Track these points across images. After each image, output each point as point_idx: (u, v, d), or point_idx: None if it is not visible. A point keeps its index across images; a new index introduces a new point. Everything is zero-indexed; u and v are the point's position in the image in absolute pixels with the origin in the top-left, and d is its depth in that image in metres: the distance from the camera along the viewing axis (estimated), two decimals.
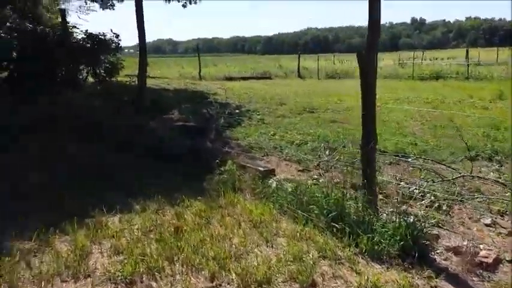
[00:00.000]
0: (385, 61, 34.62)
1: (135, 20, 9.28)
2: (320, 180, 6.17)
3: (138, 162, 6.98)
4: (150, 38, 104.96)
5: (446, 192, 5.38)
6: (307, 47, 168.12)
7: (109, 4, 15.55)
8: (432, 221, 4.39)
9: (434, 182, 5.51)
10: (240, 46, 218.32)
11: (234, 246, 3.94)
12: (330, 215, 4.17)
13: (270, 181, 5.54)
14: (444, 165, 6.36)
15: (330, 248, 3.80)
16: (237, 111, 11.46)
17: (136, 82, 9.19)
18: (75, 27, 9.45)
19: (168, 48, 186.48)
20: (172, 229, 4.23)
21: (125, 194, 5.46)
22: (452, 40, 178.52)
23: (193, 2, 14.80)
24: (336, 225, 4.08)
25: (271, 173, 5.83)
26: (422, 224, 4.00)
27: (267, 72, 27.76)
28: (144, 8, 9.39)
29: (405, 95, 14.26)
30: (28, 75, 9.18)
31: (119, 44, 9.51)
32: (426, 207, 5.12)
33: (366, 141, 4.52)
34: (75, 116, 8.38)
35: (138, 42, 9.35)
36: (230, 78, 23.81)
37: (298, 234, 4.13)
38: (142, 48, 8.81)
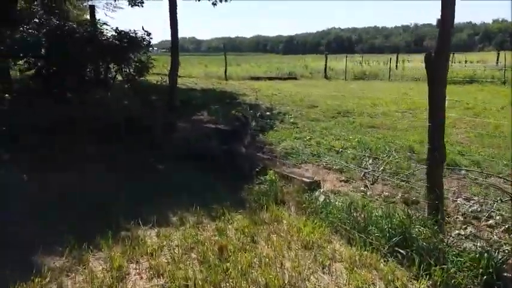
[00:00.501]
0: (414, 63, 33.76)
1: (168, 17, 8.95)
2: (368, 193, 5.70)
3: (172, 167, 6.61)
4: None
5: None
6: (330, 47, 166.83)
7: (138, 1, 15.32)
8: (508, 248, 3.87)
9: (502, 201, 4.95)
10: (261, 46, 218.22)
11: (286, 271, 3.51)
12: (393, 239, 3.69)
13: (316, 194, 5.09)
14: (504, 178, 5.82)
15: (398, 279, 3.34)
16: (268, 113, 11.04)
17: (167, 82, 8.82)
18: (106, 24, 9.15)
19: (191, 47, 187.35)
20: (216, 248, 3.82)
21: (161, 204, 5.08)
22: (478, 43, 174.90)
23: (223, 0, 14.42)
24: (401, 251, 3.60)
25: (317, 184, 5.36)
26: (502, 253, 3.50)
27: (293, 72, 27.28)
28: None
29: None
30: (56, 73, 8.91)
31: (150, 42, 9.17)
32: (491, 228, 4.61)
33: (433, 156, 4.01)
34: (105, 116, 8.08)
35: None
36: (256, 78, 23.43)
37: (357, 259, 3.67)
38: (175, 46, 8.44)
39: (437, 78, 3.98)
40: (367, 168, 6.69)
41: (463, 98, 14.28)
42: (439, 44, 3.93)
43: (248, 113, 7.89)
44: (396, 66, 29.15)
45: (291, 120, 10.26)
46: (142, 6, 15.53)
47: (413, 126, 9.83)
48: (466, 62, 39.38)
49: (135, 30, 9.11)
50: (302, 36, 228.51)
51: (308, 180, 5.27)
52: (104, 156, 7.00)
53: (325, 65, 26.45)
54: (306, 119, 10.73)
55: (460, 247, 3.68)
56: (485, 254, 3.29)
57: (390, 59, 26.62)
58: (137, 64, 9.24)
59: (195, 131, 8.83)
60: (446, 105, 4.03)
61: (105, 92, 9.04)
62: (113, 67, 9.25)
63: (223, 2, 14.59)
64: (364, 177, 6.31)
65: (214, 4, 15.06)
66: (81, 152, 7.05)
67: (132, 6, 15.67)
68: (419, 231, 3.70)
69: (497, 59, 34.97)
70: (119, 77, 9.84)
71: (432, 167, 4.00)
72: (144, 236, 4.15)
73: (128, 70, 9.42)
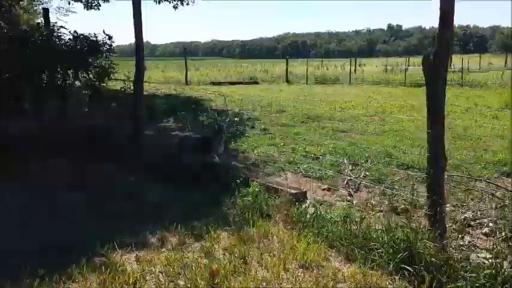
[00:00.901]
0: (369, 67, 34.40)
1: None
2: (354, 202, 5.46)
3: (142, 181, 6.12)
4: (126, 41, 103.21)
5: (505, 218, 4.72)
6: (286, 52, 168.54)
7: (94, 4, 14.62)
8: None
9: (496, 208, 4.82)
10: (217, 50, 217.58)
11: None
12: (398, 256, 3.43)
13: (304, 205, 4.78)
14: (490, 182, 5.73)
15: None
16: (236, 119, 10.66)
17: (132, 88, 8.28)
18: (63, 27, 8.49)
19: (146, 52, 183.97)
20: (207, 274, 3.42)
21: (134, 222, 4.62)
22: (428, 46, 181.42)
23: (185, 3, 13.97)
24: (408, 269, 3.34)
25: (303, 195, 5.05)
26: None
27: (254, 77, 27.07)
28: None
29: (406, 103, 13.69)
30: (8, 82, 8.20)
31: (111, 46, 8.58)
32: (487, 236, 4.46)
33: (434, 164, 3.78)
34: (64, 126, 7.47)
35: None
36: (218, 83, 23.03)
37: (361, 279, 3.38)
38: (139, 49, 7.93)
39: (437, 82, 3.74)
40: (348, 176, 6.46)
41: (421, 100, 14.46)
42: (438, 44, 3.71)
43: (221, 120, 7.48)
44: (355, 70, 29.51)
45: (262, 126, 9.96)
46: (98, 9, 14.86)
47: (383, 130, 9.76)
48: (420, 65, 40.44)
49: (95, 34, 8.52)
50: (258, 41, 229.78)
51: (295, 192, 4.96)
52: (65, 172, 6.41)
53: (286, 69, 26.40)
54: (276, 124, 10.47)
55: (466, 260, 3.45)
56: (502, 270, 3.07)
57: (350, 63, 26.88)
58: (98, 70, 8.64)
59: (164, 140, 8.37)
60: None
61: (63, 101, 8.39)
62: (72, 73, 8.61)
63: (185, 5, 14.13)
64: (347, 185, 6.07)
65: (175, 7, 14.60)
66: (40, 168, 6.43)
67: (87, 9, 14.95)
68: (424, 245, 3.44)
69: (450, 62, 36.15)
70: (78, 83, 9.20)
71: (434, 175, 3.76)
72: (123, 262, 3.69)
73: (87, 76, 8.80)
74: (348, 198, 5.71)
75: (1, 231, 4.33)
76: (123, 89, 8.69)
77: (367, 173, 6.58)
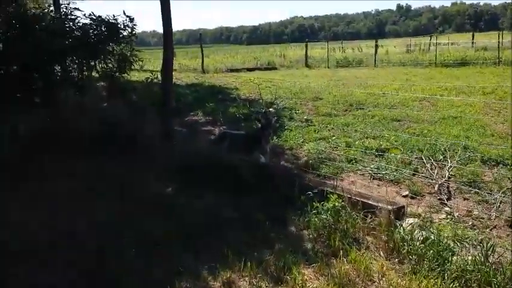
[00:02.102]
0: (388, 47, 32.81)
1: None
2: (456, 214, 4.31)
3: (182, 190, 5.01)
4: (145, 27, 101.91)
5: None
6: (294, 36, 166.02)
7: None
8: None
9: None
10: (225, 37, 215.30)
11: None
12: None
13: (407, 226, 3.64)
14: None
15: None
16: (271, 109, 9.49)
17: (158, 78, 7.15)
18: (77, 9, 7.35)
19: (153, 41, 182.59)
20: None
21: (182, 251, 3.53)
22: (438, 26, 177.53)
23: None
24: None
25: (401, 211, 3.90)
26: None
27: (271, 62, 25.75)
28: None
29: (452, 85, 12.40)
30: (17, 73, 7.13)
31: (133, 30, 7.44)
32: None
33: None
34: (83, 123, 6.39)
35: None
36: (236, 70, 21.78)
37: None
38: (168, 35, 6.77)
39: None
40: (430, 177, 5.31)
41: (471, 81, 13.16)
42: None
43: (268, 112, 6.35)
44: (375, 51, 28.06)
45: (304, 117, 8.77)
46: None
47: (441, 117, 8.52)
48: (439, 44, 38.72)
49: (114, 16, 7.38)
50: (265, 26, 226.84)
51: (391, 207, 3.80)
52: (89, 177, 5.34)
53: (306, 53, 25.05)
54: (317, 114, 9.27)
55: None
56: None
57: (375, 44, 25.39)
58: (118, 58, 7.53)
59: (198, 137, 7.25)
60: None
61: (80, 94, 7.31)
62: (89, 62, 7.51)
63: None
64: (439, 191, 4.90)
65: None
66: (60, 171, 5.38)
67: None
68: None
69: (473, 40, 34.52)
70: (95, 74, 8.09)
71: None
72: None
73: (106, 66, 7.69)
74: (441, 207, 4.56)
75: None
76: (149, 80, 7.56)
77: (452, 173, 5.41)
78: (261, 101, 10.43)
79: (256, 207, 4.30)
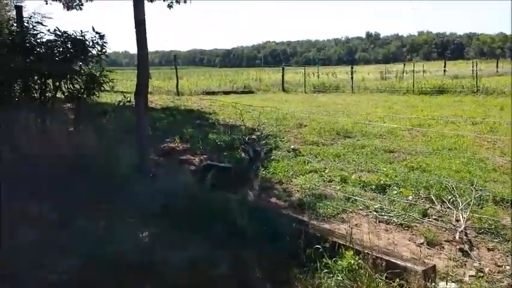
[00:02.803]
0: (361, 74, 32.91)
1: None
2: (485, 270, 3.67)
3: (167, 239, 4.20)
4: (117, 48, 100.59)
5: None
6: (267, 60, 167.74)
7: (75, 4, 12.64)
8: None
9: None
10: (198, 59, 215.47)
11: None
12: None
13: None
14: None
15: None
16: (253, 137, 8.80)
17: (132, 102, 6.36)
18: (40, 23, 6.52)
19: (125, 62, 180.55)
20: None
21: None
22: (406, 54, 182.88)
23: (182, 1, 12.11)
24: None
25: (432, 272, 3.20)
26: None
27: (248, 85, 25.28)
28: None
29: (437, 114, 12.06)
30: None
31: (103, 48, 6.66)
32: None
33: None
34: (44, 159, 5.51)
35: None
36: (212, 93, 21.18)
37: None
38: (143, 53, 6.03)
39: None
40: (445, 221, 4.68)
41: (456, 111, 12.87)
42: None
43: (255, 142, 5.66)
44: (351, 78, 28.00)
45: (291, 146, 8.10)
46: (81, 9, 12.89)
47: (434, 148, 8.02)
48: (412, 71, 39.24)
49: (82, 32, 6.59)
50: (238, 49, 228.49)
51: (422, 269, 3.10)
52: (51, 228, 4.47)
53: (282, 77, 24.69)
54: (304, 142, 8.64)
55: None
56: None
57: (352, 70, 25.24)
58: (86, 78, 6.73)
59: (176, 169, 6.47)
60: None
61: (41, 119, 6.45)
62: (53, 83, 6.68)
63: (182, 4, 12.27)
64: (460, 239, 4.26)
65: (170, 6, 12.74)
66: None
67: (68, 9, 12.96)
68: None
69: (444, 68, 35.12)
70: (61, 95, 7.24)
71: None
72: None
73: (72, 87, 6.87)
74: (465, 259, 3.92)
75: None
76: (121, 103, 6.77)
77: (465, 215, 4.80)
78: (243, 127, 9.76)
79: (253, 263, 3.54)
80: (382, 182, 5.96)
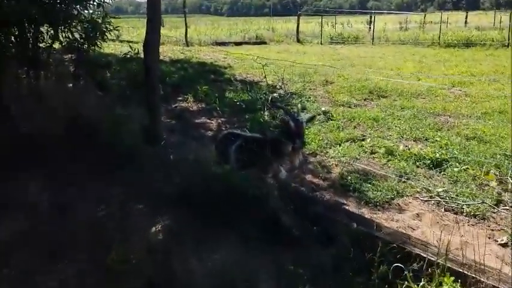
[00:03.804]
0: (378, 24, 31.12)
1: None
2: None
3: (193, 243, 3.32)
4: None
5: None
6: (276, 10, 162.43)
7: None
8: None
9: None
10: (205, 7, 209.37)
11: None
12: None
13: None
14: None
15: None
16: (275, 95, 7.82)
17: (142, 55, 5.35)
18: None
19: (130, 9, 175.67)
20: None
21: None
22: (420, 3, 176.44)
23: None
24: None
25: None
26: None
27: (260, 36, 23.84)
28: None
29: (476, 70, 10.88)
30: None
31: None
32: None
33: None
34: (38, 120, 4.60)
35: None
36: (222, 43, 19.92)
37: None
38: (155, 2, 4.95)
39: None
40: None
41: (489, 65, 11.67)
42: None
43: (287, 105, 4.70)
44: (369, 28, 26.39)
45: (321, 108, 7.11)
46: None
47: (483, 111, 7.02)
48: (430, 22, 37.28)
49: None
50: None
51: None
52: (48, 213, 3.62)
53: (297, 27, 23.21)
54: (333, 103, 7.64)
55: None
56: None
57: (370, 20, 23.69)
58: (86, 26, 5.70)
59: (192, 135, 5.53)
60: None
61: (34, 73, 5.49)
62: (48, 31, 5.68)
63: None
64: None
65: None
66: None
67: None
68: None
69: (466, 20, 33.25)
70: (58, 46, 6.23)
71: None
72: None
73: (71, 35, 5.86)
74: None
75: None
76: (127, 55, 5.76)
77: None
78: (262, 83, 8.76)
79: (304, 279, 2.66)
80: (437, 155, 5.01)
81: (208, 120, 6.43)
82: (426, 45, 18.81)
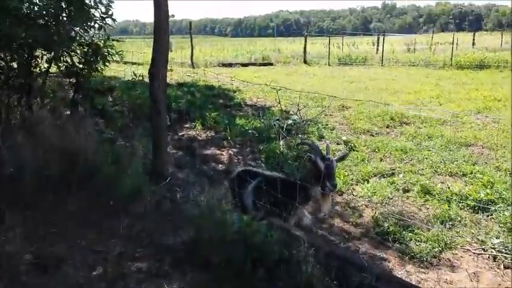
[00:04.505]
0: (386, 45, 30.76)
1: None
2: None
3: None
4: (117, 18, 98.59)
5: None
6: (279, 30, 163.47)
7: None
8: None
9: None
10: (209, 28, 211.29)
11: None
12: None
13: None
14: None
15: None
16: (289, 121, 7.23)
17: (146, 79, 4.80)
18: None
19: (135, 30, 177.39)
20: None
21: None
22: (423, 25, 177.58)
23: None
24: None
25: None
26: None
27: (266, 57, 23.44)
28: None
29: (498, 94, 10.27)
30: None
31: (108, 8, 5.08)
32: None
33: None
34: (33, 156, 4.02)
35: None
36: (229, 65, 19.50)
37: None
38: (161, 12, 4.43)
39: None
40: None
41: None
42: None
43: (327, 147, 4.07)
44: (377, 49, 25.99)
45: (342, 137, 6.52)
46: None
47: None
48: (437, 43, 36.91)
49: None
50: (250, 18, 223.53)
51: None
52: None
53: (304, 48, 22.78)
54: (354, 131, 7.06)
55: None
56: None
57: (378, 41, 23.29)
58: (87, 49, 5.18)
59: (199, 175, 4.92)
60: None
61: (26, 100, 4.95)
62: (43, 55, 5.15)
63: None
64: None
65: None
66: None
67: None
68: None
69: (473, 41, 32.86)
70: (53, 69, 5.69)
71: None
72: None
73: (69, 59, 5.33)
74: None
75: None
76: (131, 81, 5.21)
77: None
78: (274, 109, 8.21)
79: None
80: (482, 195, 4.39)
81: (218, 152, 5.84)
82: (438, 67, 18.31)
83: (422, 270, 3.26)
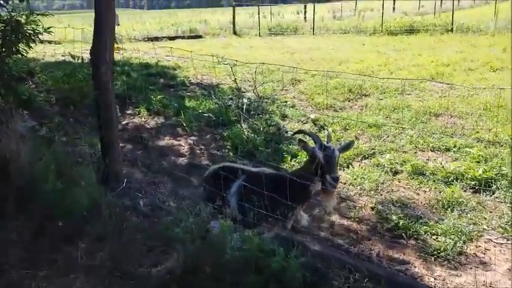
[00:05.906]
0: (311, 13, 30.61)
1: None
2: None
3: None
4: None
5: None
6: (199, 1, 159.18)
7: None
8: None
9: None
10: (124, 1, 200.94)
11: None
12: None
13: None
14: None
15: None
16: (245, 100, 6.50)
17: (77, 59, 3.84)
18: None
19: (42, 5, 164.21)
20: None
21: None
22: None
23: None
24: None
25: None
26: None
27: (194, 29, 22.24)
28: None
29: (444, 59, 10.15)
30: None
31: None
32: None
33: None
34: None
35: None
36: (155, 39, 18.17)
37: None
38: None
39: None
40: None
41: (465, 54, 11.05)
42: None
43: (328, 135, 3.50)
44: (305, 18, 25.67)
45: (306, 114, 5.95)
46: None
47: (479, 107, 6.24)
48: (371, 10, 37.44)
49: None
50: None
51: None
52: None
53: (233, 18, 21.87)
54: (315, 106, 6.53)
55: None
56: None
57: (305, 9, 22.86)
58: (5, 27, 4.11)
59: (161, 177, 4.11)
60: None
61: None
62: None
63: None
64: None
65: None
66: None
67: None
68: None
69: (394, 6, 33.66)
70: None
71: None
72: None
73: None
74: None
75: None
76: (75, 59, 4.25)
77: None
78: (224, 86, 7.48)
79: None
80: (480, 172, 4.03)
81: (175, 142, 5.03)
82: (368, 33, 18.31)
83: (454, 272, 2.81)
